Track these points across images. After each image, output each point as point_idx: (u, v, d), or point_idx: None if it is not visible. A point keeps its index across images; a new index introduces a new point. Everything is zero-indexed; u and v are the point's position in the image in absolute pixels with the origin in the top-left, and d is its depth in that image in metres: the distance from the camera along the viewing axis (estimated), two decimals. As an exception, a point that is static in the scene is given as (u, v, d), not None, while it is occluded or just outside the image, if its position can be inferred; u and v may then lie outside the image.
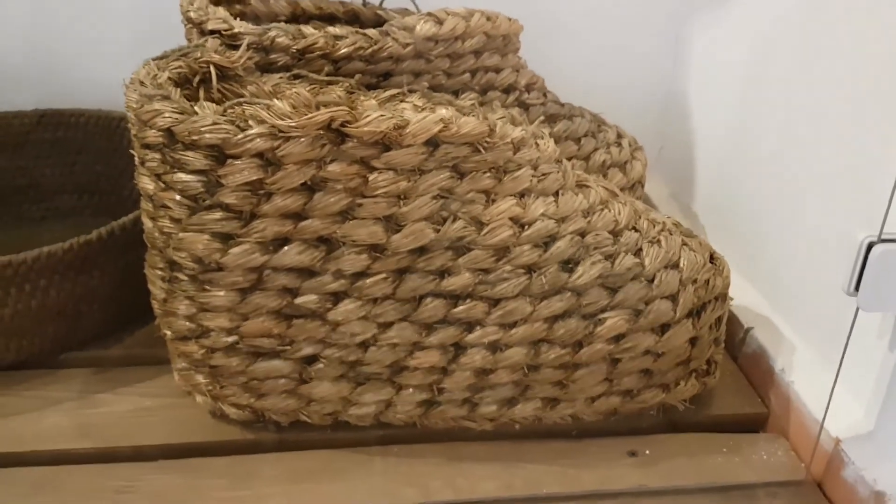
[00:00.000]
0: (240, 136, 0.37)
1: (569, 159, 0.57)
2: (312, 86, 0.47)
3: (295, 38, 0.48)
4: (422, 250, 0.41)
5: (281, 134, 0.37)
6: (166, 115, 0.38)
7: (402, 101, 0.48)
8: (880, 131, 0.44)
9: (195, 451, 0.46)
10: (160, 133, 0.38)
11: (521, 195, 0.42)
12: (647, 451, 0.47)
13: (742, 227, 0.60)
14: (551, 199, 0.43)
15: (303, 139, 0.37)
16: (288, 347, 0.43)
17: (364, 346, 0.43)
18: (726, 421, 0.50)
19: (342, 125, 0.37)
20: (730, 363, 0.55)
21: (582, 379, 0.45)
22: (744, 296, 0.57)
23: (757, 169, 0.58)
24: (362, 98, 0.47)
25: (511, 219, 0.42)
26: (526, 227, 0.42)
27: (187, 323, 0.43)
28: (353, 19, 0.58)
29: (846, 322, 0.43)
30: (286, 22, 0.57)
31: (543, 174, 0.43)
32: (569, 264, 0.43)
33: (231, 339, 0.43)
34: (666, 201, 0.71)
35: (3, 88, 0.65)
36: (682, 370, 0.47)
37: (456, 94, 0.53)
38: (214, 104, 0.39)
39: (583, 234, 0.43)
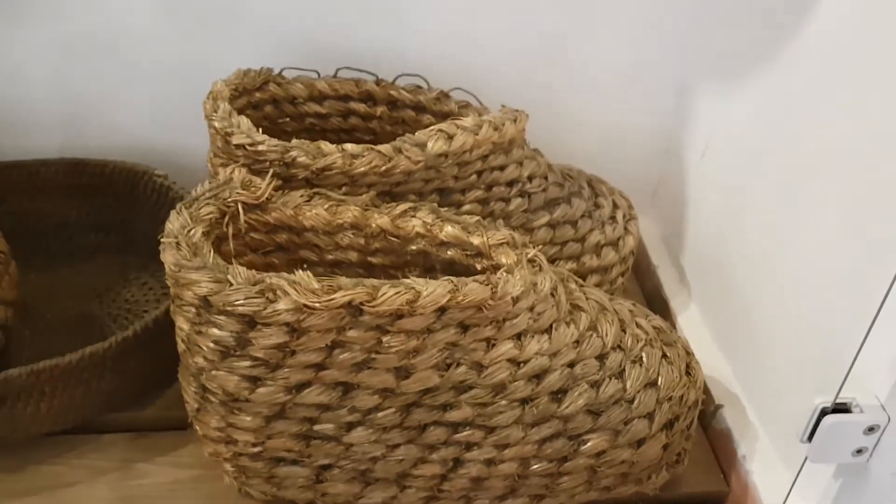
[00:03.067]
0: (269, 309, 0.42)
1: (565, 242, 0.61)
2: (330, 203, 0.51)
3: (314, 158, 0.51)
4: (427, 390, 0.46)
5: (306, 309, 0.42)
6: (202, 285, 0.42)
7: (413, 216, 0.51)
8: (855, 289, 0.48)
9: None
10: (196, 297, 0.43)
11: (519, 336, 0.47)
12: (619, 533, 0.54)
13: (726, 297, 0.64)
14: (545, 336, 0.48)
15: (325, 314, 0.42)
16: (307, 459, 0.49)
17: (374, 460, 0.49)
18: (691, 499, 0.57)
19: (360, 304, 0.42)
20: (701, 435, 0.61)
21: (565, 483, 0.51)
22: (719, 369, 0.63)
23: (747, 248, 0.61)
24: (376, 216, 0.51)
25: (508, 360, 0.47)
26: (522, 364, 0.47)
27: (217, 431, 0.49)
28: (367, 98, 0.60)
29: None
30: (304, 100, 0.60)
31: (539, 314, 0.47)
32: (558, 395, 0.48)
33: (256, 449, 0.48)
34: (657, 245, 0.75)
35: (30, 133, 0.68)
36: (654, 466, 0.53)
37: (463, 192, 0.56)
38: (242, 252, 0.43)
39: (572, 364, 0.49)
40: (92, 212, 0.68)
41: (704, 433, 0.61)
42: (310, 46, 0.65)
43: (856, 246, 0.49)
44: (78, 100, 0.67)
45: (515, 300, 0.45)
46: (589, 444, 0.49)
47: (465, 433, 0.48)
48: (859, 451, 0.45)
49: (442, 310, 0.43)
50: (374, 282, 0.43)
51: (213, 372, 0.45)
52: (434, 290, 0.43)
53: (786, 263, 0.56)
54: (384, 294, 0.42)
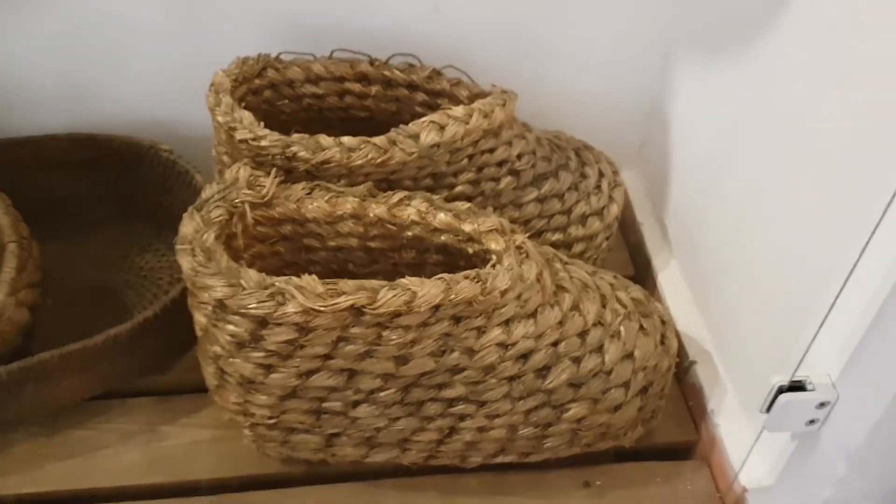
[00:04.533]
0: (279, 312, 0.46)
1: (552, 215, 0.65)
2: (330, 195, 0.54)
3: (314, 152, 0.54)
4: (424, 373, 0.51)
5: (313, 311, 0.46)
6: (217, 289, 0.46)
7: (407, 205, 0.55)
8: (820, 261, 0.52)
9: (245, 485, 0.58)
10: (212, 298, 0.47)
11: (507, 322, 0.51)
12: (599, 483, 0.60)
13: (703, 257, 0.68)
14: (531, 321, 0.52)
15: (329, 315, 0.46)
16: (317, 429, 0.54)
17: (377, 429, 0.54)
18: (664, 448, 0.63)
19: (362, 307, 0.46)
20: (675, 388, 0.66)
21: (549, 443, 0.57)
22: (695, 326, 0.68)
23: (724, 212, 0.65)
24: (374, 206, 0.55)
25: (497, 344, 0.51)
26: (509, 347, 0.52)
27: (235, 406, 0.54)
28: (362, 78, 0.63)
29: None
30: (301, 83, 0.62)
31: (525, 300, 0.52)
32: (543, 371, 0.53)
33: (272, 421, 0.54)
34: (642, 200, 0.79)
35: (37, 110, 0.70)
36: (630, 424, 0.59)
37: (455, 174, 0.59)
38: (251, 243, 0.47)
39: (556, 343, 0.53)
40: (101, 183, 0.71)
41: (679, 386, 0.66)
42: (305, 23, 0.66)
43: (825, 228, 0.51)
44: (82, 78, 0.69)
45: (503, 293, 0.50)
46: (570, 411, 0.55)
47: (458, 407, 0.53)
48: (812, 422, 0.50)
49: (437, 307, 0.48)
50: (374, 284, 0.47)
51: (230, 359, 0.50)
52: (429, 291, 0.47)
53: (758, 233, 0.60)
54: (383, 297, 0.46)
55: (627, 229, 0.78)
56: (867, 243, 0.46)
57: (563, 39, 0.71)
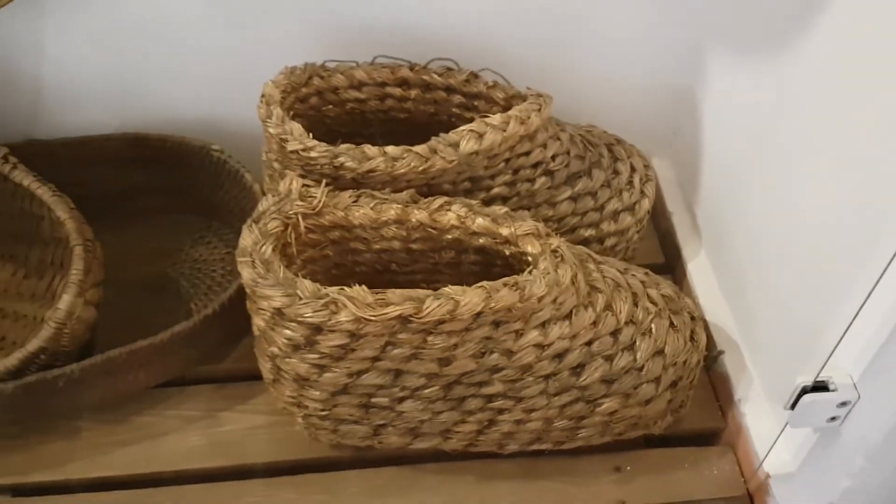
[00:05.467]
0: (332, 320, 0.49)
1: (586, 213, 0.67)
2: (375, 202, 0.57)
3: (360, 162, 0.57)
4: (466, 373, 0.54)
5: (363, 320, 0.49)
6: (276, 299, 0.50)
7: (448, 210, 0.58)
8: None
9: (296, 468, 0.63)
10: (270, 307, 0.50)
11: (543, 325, 0.54)
12: (629, 468, 0.63)
13: (731, 249, 0.71)
14: (566, 322, 0.55)
15: (378, 323, 0.50)
16: (366, 420, 0.58)
17: (421, 421, 0.58)
18: (692, 434, 0.66)
19: (409, 317, 0.49)
20: (704, 376, 0.69)
21: (583, 433, 0.60)
22: (723, 316, 0.70)
23: (753, 205, 0.67)
24: (416, 211, 0.58)
25: (534, 346, 0.54)
26: (546, 348, 0.55)
27: (290, 398, 0.58)
28: (402, 83, 0.65)
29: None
30: (345, 89, 0.65)
31: (561, 303, 0.55)
32: (577, 369, 0.56)
33: (323, 413, 0.58)
34: (674, 190, 0.81)
35: (91, 110, 0.73)
36: (660, 414, 0.62)
37: (492, 177, 0.62)
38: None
39: (590, 343, 0.56)
40: (154, 178, 0.74)
41: (707, 374, 0.69)
42: (349, 29, 0.69)
43: (857, 228, 0.52)
44: (133, 79, 0.72)
45: (540, 299, 0.53)
46: (603, 405, 0.58)
47: (497, 403, 0.57)
48: (833, 419, 0.53)
49: (478, 313, 0.51)
50: (420, 294, 0.50)
51: (287, 359, 0.54)
52: (470, 300, 0.50)
53: (786, 230, 0.61)
54: (428, 307, 0.49)
55: (658, 217, 0.81)
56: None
57: (596, 32, 0.72)
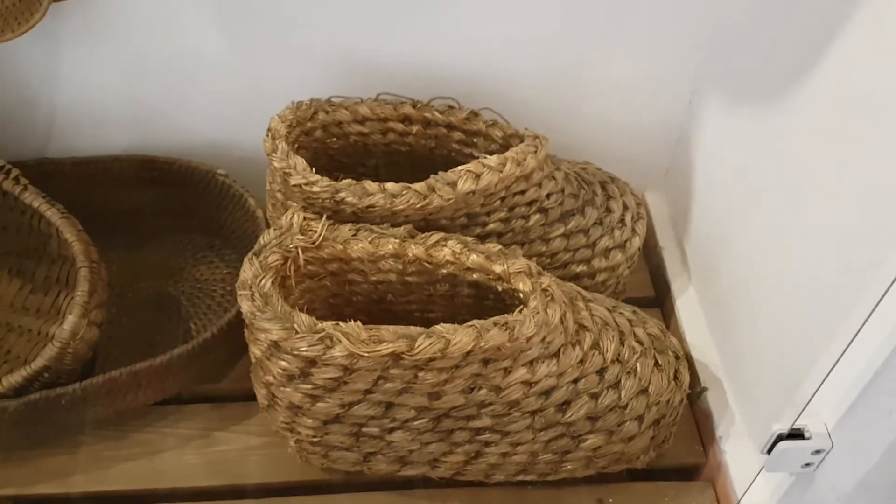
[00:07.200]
0: (327, 354, 0.51)
1: (578, 249, 0.69)
2: (373, 236, 0.59)
3: (360, 198, 0.59)
4: (455, 407, 0.56)
5: (356, 356, 0.51)
6: (273, 332, 0.52)
7: (443, 246, 0.60)
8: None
9: (287, 490, 0.65)
10: (268, 339, 0.52)
11: (531, 363, 0.56)
12: (611, 500, 0.65)
13: (720, 286, 0.72)
14: (554, 360, 0.57)
15: (371, 359, 0.51)
16: (356, 448, 0.60)
17: (410, 451, 0.60)
18: (675, 468, 0.68)
19: (401, 354, 0.51)
20: (688, 411, 0.71)
21: (567, 467, 0.62)
22: (708, 353, 0.72)
23: (741, 246, 0.68)
24: (412, 246, 0.60)
25: (522, 382, 0.56)
26: (533, 385, 0.57)
27: (283, 424, 0.60)
28: (404, 119, 0.67)
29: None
30: (349, 123, 0.67)
31: (549, 342, 0.57)
32: (563, 406, 0.58)
33: (315, 440, 0.60)
34: (665, 224, 0.83)
35: (103, 131, 0.75)
36: (643, 450, 0.64)
37: (488, 214, 0.64)
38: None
39: (576, 380, 0.58)
40: (160, 199, 0.77)
41: (691, 409, 0.71)
42: (354, 65, 0.71)
43: (840, 280, 0.54)
44: (145, 105, 0.74)
45: (529, 339, 0.54)
46: (588, 441, 0.60)
47: (484, 436, 0.58)
48: (807, 465, 0.55)
49: (468, 352, 0.53)
50: (413, 332, 0.52)
51: (281, 388, 0.56)
52: (461, 339, 0.52)
53: (772, 274, 0.63)
54: (420, 345, 0.51)
55: (649, 251, 0.83)
56: (875, 306, 0.50)
57: (595, 74, 0.74)
